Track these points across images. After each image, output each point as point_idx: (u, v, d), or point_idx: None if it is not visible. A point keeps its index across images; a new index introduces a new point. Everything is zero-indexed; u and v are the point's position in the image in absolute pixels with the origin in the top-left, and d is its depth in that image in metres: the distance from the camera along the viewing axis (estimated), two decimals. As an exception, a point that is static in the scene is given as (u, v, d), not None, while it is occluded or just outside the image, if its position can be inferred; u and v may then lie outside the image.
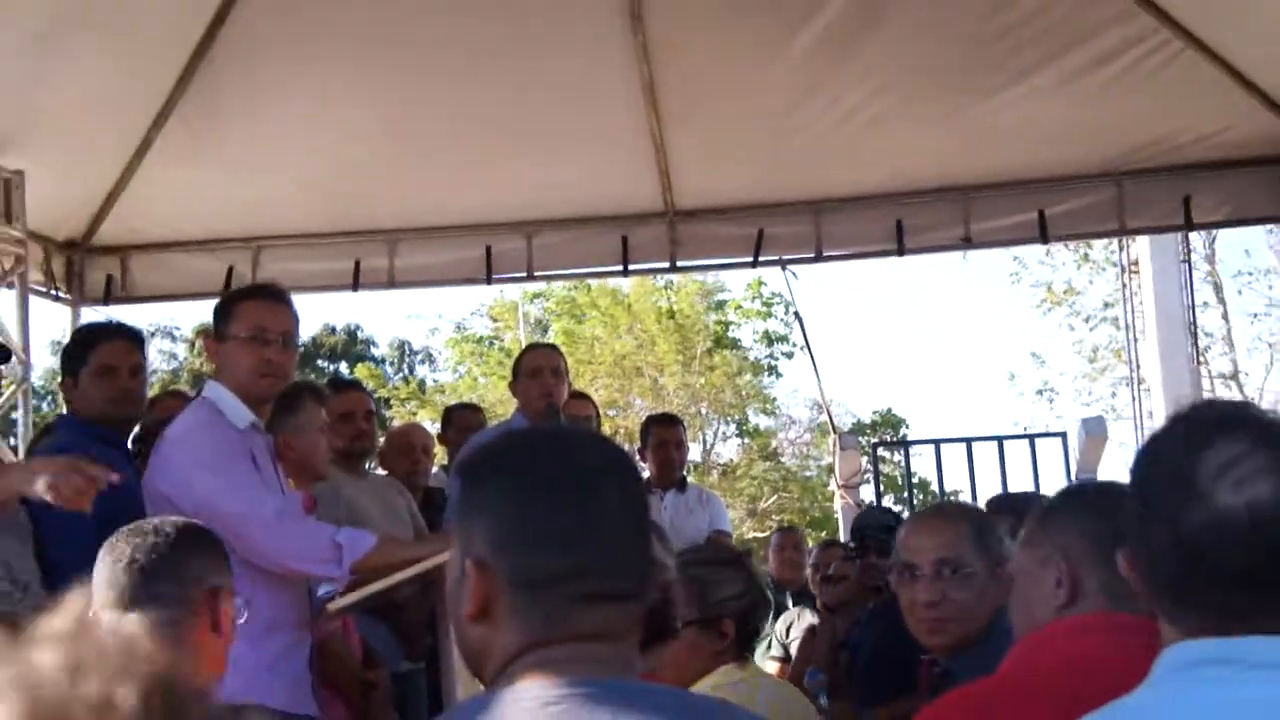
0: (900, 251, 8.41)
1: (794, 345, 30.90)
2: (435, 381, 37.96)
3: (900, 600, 3.62)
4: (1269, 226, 9.34)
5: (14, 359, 6.66)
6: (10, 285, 7.40)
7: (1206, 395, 18.15)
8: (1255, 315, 26.02)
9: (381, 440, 7.20)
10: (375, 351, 44.36)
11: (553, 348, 7.28)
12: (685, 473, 8.51)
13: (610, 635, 1.84)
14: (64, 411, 5.39)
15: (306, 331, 4.73)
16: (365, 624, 5.12)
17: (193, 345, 35.33)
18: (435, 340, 38.50)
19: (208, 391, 4.61)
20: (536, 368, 6.64)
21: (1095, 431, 11.90)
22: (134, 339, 5.26)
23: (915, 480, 16.80)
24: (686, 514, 7.86)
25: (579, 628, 1.82)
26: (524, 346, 7.81)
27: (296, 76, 7.35)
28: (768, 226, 8.44)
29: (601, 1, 7.07)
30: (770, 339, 32.47)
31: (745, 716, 1.91)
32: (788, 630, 7.99)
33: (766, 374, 32.83)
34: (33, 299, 7.76)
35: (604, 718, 1.73)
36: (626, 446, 7.95)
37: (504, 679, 1.79)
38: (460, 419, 8.02)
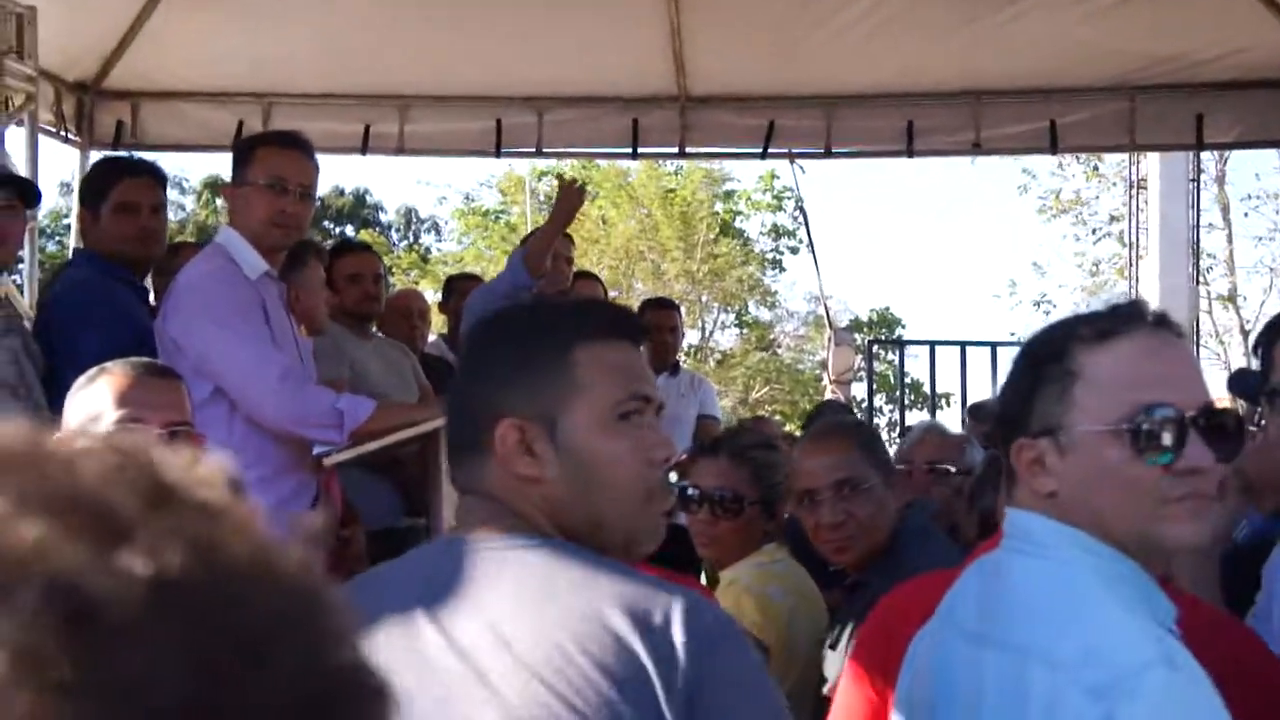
0: (910, 153, 8.44)
1: (799, 240, 30.94)
2: (440, 251, 37.87)
3: (805, 526, 3.70)
4: None
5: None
6: (20, 123, 7.22)
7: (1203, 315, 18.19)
8: (1259, 239, 26.05)
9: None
10: (382, 217, 44.17)
11: (568, 237, 7.29)
12: (680, 358, 8.57)
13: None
14: (79, 245, 5.35)
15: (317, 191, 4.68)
16: (367, 480, 5.13)
17: (200, 197, 35.16)
18: (442, 210, 38.50)
19: (220, 238, 4.57)
20: (554, 253, 6.67)
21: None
22: (157, 177, 5.22)
23: (908, 380, 16.83)
24: (677, 398, 7.93)
25: None
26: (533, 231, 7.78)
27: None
28: (779, 118, 8.43)
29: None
30: (778, 232, 32.42)
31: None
32: None
33: (770, 267, 32.80)
34: (42, 139, 7.58)
35: None
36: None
37: None
38: (462, 289, 8.01)
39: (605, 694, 1.71)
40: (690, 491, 4.04)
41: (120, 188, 5.01)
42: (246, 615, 0.61)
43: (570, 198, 6.61)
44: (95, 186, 5.11)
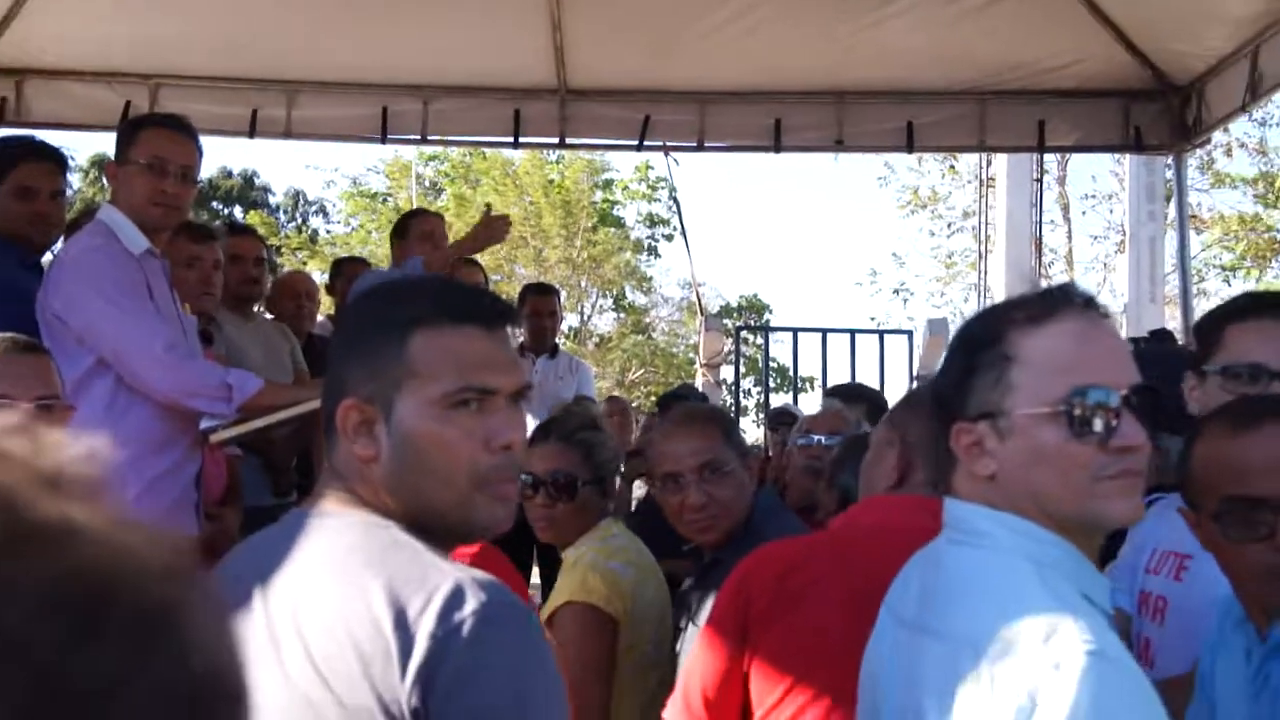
0: (777, 148, 8.45)
1: (673, 229, 31.17)
2: (328, 233, 37.68)
3: (667, 507, 3.70)
4: (1114, 155, 9.59)
5: None
6: None
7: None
8: (1095, 237, 26.62)
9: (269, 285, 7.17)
10: (271, 199, 43.84)
11: (440, 216, 7.29)
12: (558, 341, 8.60)
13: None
14: None
15: (203, 173, 4.62)
16: (247, 457, 5.13)
17: (86, 175, 34.53)
18: (330, 193, 38.17)
19: (102, 214, 4.49)
20: (429, 232, 6.63)
21: (938, 332, 12.19)
22: (59, 161, 5.12)
23: (774, 365, 17.03)
24: (555, 379, 7.97)
25: None
26: (413, 209, 7.77)
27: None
28: (654, 113, 8.43)
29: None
30: (652, 220, 32.59)
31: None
32: None
33: (645, 254, 32.96)
34: None
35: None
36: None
37: None
38: (349, 270, 7.96)
39: (355, 675, 1.70)
40: (524, 477, 4.03)
41: (20, 170, 4.93)
42: (93, 656, 0.57)
43: (493, 228, 6.52)
44: None
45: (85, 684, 0.57)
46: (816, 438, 4.88)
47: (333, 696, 1.70)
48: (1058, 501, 1.94)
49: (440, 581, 1.74)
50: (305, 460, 5.68)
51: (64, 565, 0.59)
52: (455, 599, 1.72)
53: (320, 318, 7.53)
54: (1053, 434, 1.92)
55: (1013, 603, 1.87)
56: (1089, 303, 2.02)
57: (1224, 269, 31.34)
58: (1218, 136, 12.14)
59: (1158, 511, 3.06)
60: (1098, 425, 1.91)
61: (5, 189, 4.89)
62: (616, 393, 26.77)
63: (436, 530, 1.88)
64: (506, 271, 28.48)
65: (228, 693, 0.63)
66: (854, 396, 5.60)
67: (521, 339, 7.90)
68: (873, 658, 2.13)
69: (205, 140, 4.61)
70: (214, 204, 41.22)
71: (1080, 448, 1.91)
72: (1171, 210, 9.19)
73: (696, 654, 3.08)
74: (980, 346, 2.01)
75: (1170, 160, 8.75)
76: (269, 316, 6.49)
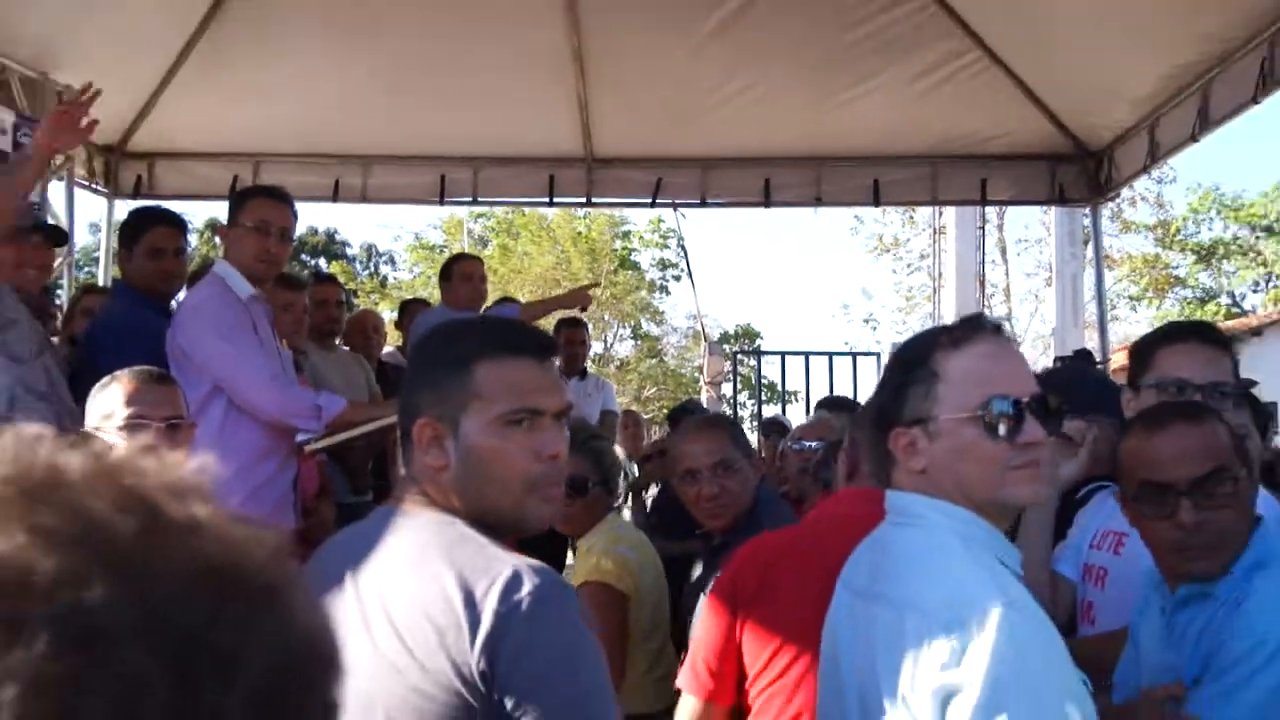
0: (767, 204, 8.54)
1: (680, 271, 31.27)
2: (395, 279, 37.63)
3: (685, 497, 3.70)
4: (1042, 207, 9.71)
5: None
6: (60, 179, 7.42)
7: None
8: (1028, 274, 26.67)
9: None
10: (349, 251, 43.81)
11: (478, 259, 7.33)
12: (586, 365, 8.59)
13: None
14: (117, 278, 5.22)
15: (295, 232, 4.66)
16: (330, 464, 5.12)
17: (201, 235, 34.60)
18: (398, 245, 38.33)
19: (216, 268, 4.50)
20: (469, 274, 6.65)
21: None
22: (179, 226, 5.10)
23: (765, 383, 16.99)
24: (584, 397, 7.95)
25: None
26: (455, 255, 7.81)
27: (295, 26, 7.21)
28: (665, 176, 8.50)
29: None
30: (664, 265, 32.59)
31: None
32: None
33: (658, 292, 32.93)
34: (77, 191, 7.79)
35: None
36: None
37: None
38: (413, 310, 7.97)
39: (433, 645, 1.72)
40: None
41: (150, 235, 4.91)
42: (221, 627, 0.59)
43: (577, 297, 6.83)
44: (130, 231, 4.98)
45: (217, 651, 0.59)
46: (808, 443, 4.88)
47: (415, 662, 1.72)
48: (977, 488, 1.97)
49: (501, 568, 1.75)
50: (379, 464, 5.71)
51: (196, 554, 0.61)
52: (514, 582, 1.73)
53: (389, 348, 7.54)
54: (972, 434, 1.96)
55: (944, 571, 1.89)
56: (997, 329, 2.07)
57: (1131, 299, 31.68)
58: (1125, 191, 12.19)
59: (1101, 498, 3.11)
60: (1006, 427, 1.95)
61: (139, 250, 4.88)
62: (633, 408, 26.79)
63: (495, 526, 1.89)
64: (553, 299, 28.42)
65: (324, 655, 0.65)
66: (839, 407, 5.61)
67: (557, 364, 7.90)
68: (832, 624, 2.13)
69: (296, 205, 4.65)
70: (303, 256, 41.23)
71: (993, 445, 1.95)
72: (1089, 251, 9.18)
73: (700, 627, 3.08)
74: (912, 366, 2.04)
75: (1087, 211, 8.75)
76: (345, 348, 6.50)
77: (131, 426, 2.86)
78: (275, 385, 4.35)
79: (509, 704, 1.69)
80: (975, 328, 2.05)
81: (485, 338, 1.97)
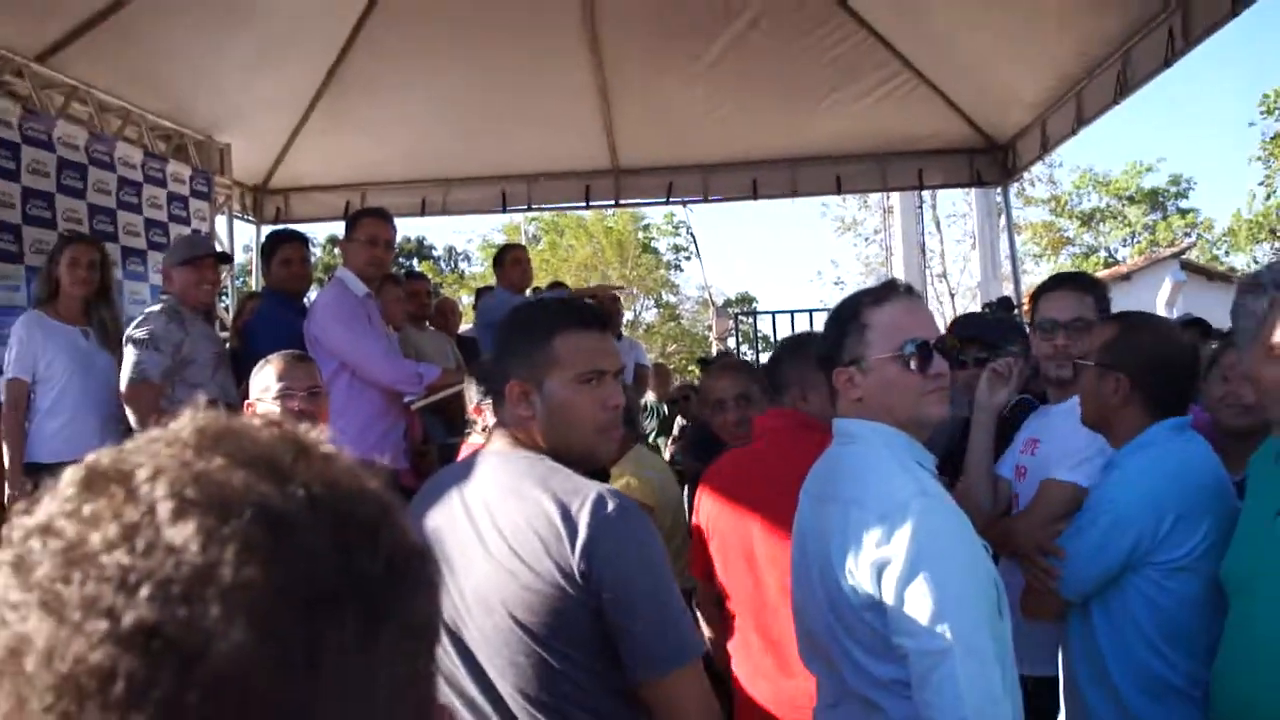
0: (755, 197, 8.49)
1: (690, 253, 31.19)
2: (471, 273, 37.60)
3: (714, 423, 3.71)
4: (965, 189, 9.75)
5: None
6: (223, 212, 7.64)
7: (929, 286, 18.40)
8: (957, 240, 26.25)
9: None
10: (435, 253, 43.84)
11: (523, 247, 7.33)
12: (622, 329, 8.60)
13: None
14: (264, 285, 5.29)
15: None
16: (428, 415, 5.11)
17: (324, 248, 34.77)
18: (471, 246, 38.30)
19: (339, 273, 4.56)
20: (517, 259, 6.62)
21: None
22: (303, 241, 5.16)
23: (761, 337, 16.93)
24: (622, 356, 7.94)
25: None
26: (504, 245, 7.85)
27: (387, 85, 7.25)
28: (674, 180, 8.51)
29: (573, 41, 7.00)
30: (677, 249, 32.44)
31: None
32: None
33: (673, 270, 32.80)
34: (235, 221, 8.05)
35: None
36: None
37: None
38: (484, 294, 8.02)
39: (539, 552, 1.72)
40: None
41: (282, 250, 5.00)
42: (360, 516, 0.64)
43: (603, 291, 6.92)
44: (267, 250, 5.09)
45: (364, 520, 0.63)
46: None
47: (525, 566, 1.73)
48: (900, 410, 1.98)
49: (589, 490, 1.76)
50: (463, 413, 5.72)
51: (335, 472, 0.65)
52: (600, 501, 1.74)
53: (465, 326, 7.55)
54: (895, 369, 1.98)
55: (877, 474, 1.91)
56: (908, 290, 2.08)
57: (1035, 257, 31.75)
58: (1025, 174, 12.17)
59: (1033, 417, 3.04)
60: (919, 362, 1.97)
61: (275, 263, 4.97)
62: (659, 361, 26.85)
63: (572, 461, 1.88)
64: (585, 288, 28.42)
65: (421, 550, 0.67)
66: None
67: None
68: (799, 524, 2.13)
69: (395, 221, 4.67)
70: (400, 259, 41.31)
71: (911, 376, 1.97)
72: (1002, 221, 9.11)
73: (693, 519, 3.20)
74: (846, 319, 2.05)
75: (999, 191, 8.68)
76: (432, 329, 6.49)
77: (284, 395, 2.89)
78: (387, 360, 4.41)
79: (605, 595, 1.70)
80: (892, 289, 2.07)
81: (560, 315, 1.95)
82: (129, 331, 4.31)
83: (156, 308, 4.40)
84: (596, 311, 2.03)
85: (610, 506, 1.74)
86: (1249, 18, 4.86)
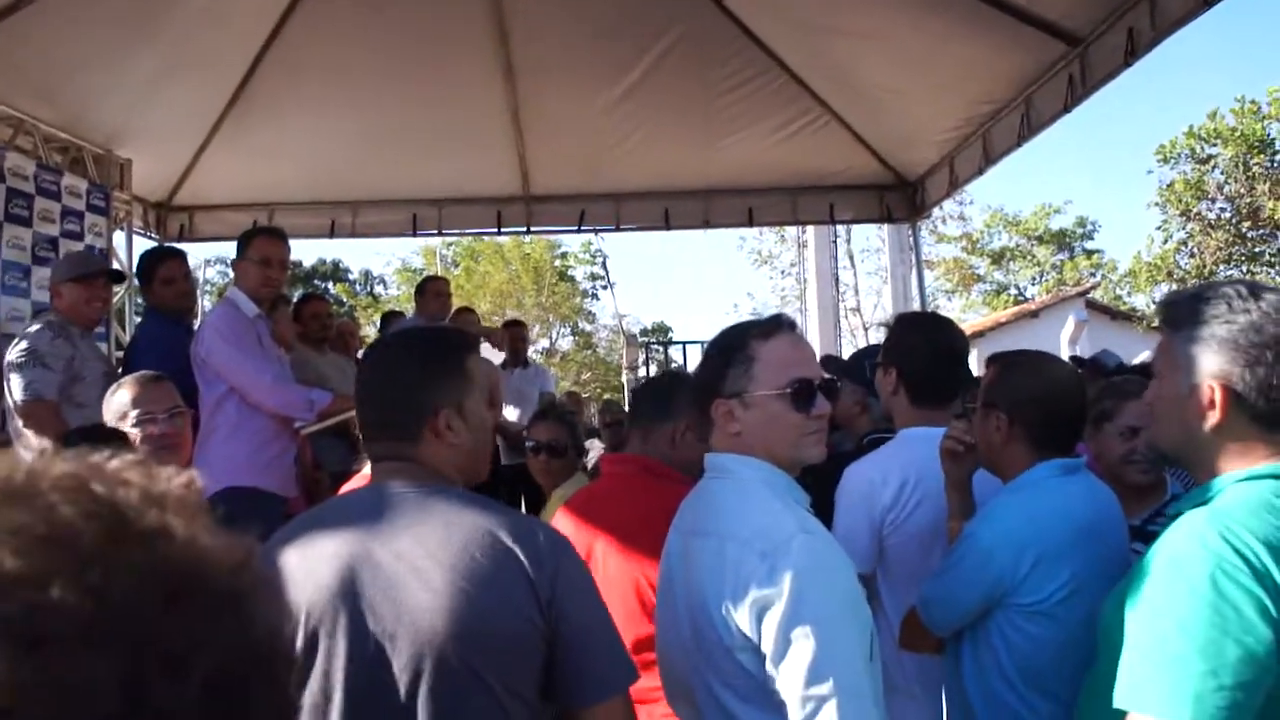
0: (668, 227, 8.50)
1: (606, 282, 31.24)
2: (386, 296, 37.16)
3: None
4: (877, 224, 9.93)
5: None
6: (122, 228, 7.47)
7: (843, 320, 18.70)
8: (869, 273, 26.80)
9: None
10: (350, 276, 43.29)
11: (444, 279, 7.26)
12: (530, 355, 8.54)
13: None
14: (146, 305, 5.11)
15: (307, 261, 4.64)
16: (332, 439, 4.97)
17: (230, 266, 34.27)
18: (388, 270, 37.83)
19: (229, 294, 4.48)
20: (439, 290, 6.57)
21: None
22: (182, 258, 5.02)
23: (674, 365, 16.98)
24: (528, 382, 7.89)
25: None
26: (426, 276, 7.75)
27: (296, 105, 7.14)
28: (587, 208, 8.46)
29: (487, 67, 6.96)
30: (594, 277, 32.47)
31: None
32: None
33: (590, 298, 32.84)
34: (135, 238, 7.83)
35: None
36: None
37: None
38: (391, 320, 7.98)
39: (501, 580, 1.66)
40: (530, 444, 4.03)
41: (163, 267, 4.85)
42: (174, 634, 0.52)
43: (495, 333, 7.10)
44: (145, 269, 4.92)
45: (171, 644, 0.52)
46: None
47: (483, 596, 1.65)
48: (780, 448, 1.95)
49: (534, 522, 1.77)
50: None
51: (158, 557, 0.54)
52: (552, 531, 1.77)
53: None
54: (779, 407, 1.94)
55: (755, 509, 1.88)
56: (792, 326, 2.05)
57: (946, 292, 32.60)
58: (936, 211, 12.44)
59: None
60: (804, 401, 1.94)
61: (157, 280, 4.82)
62: (574, 389, 26.78)
63: (468, 485, 1.87)
64: (501, 314, 28.27)
65: (283, 654, 0.58)
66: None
67: (504, 356, 7.85)
68: (666, 562, 2.09)
69: (300, 241, 4.60)
70: (315, 281, 40.66)
71: (795, 415, 1.94)
72: (913, 257, 9.29)
73: None
74: (732, 350, 2.00)
75: (909, 227, 8.85)
76: (331, 352, 6.36)
77: (143, 421, 2.78)
78: (275, 385, 4.31)
79: (563, 624, 1.68)
80: (779, 324, 2.04)
81: (461, 338, 1.94)
82: (8, 355, 4.15)
83: (37, 326, 4.25)
84: (476, 335, 2.04)
85: (559, 537, 1.76)
86: (1143, 67, 5.07)
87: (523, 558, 1.66)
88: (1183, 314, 1.69)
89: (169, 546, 0.54)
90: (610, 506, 2.79)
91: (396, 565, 1.68)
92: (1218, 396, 1.62)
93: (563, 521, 2.85)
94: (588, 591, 1.74)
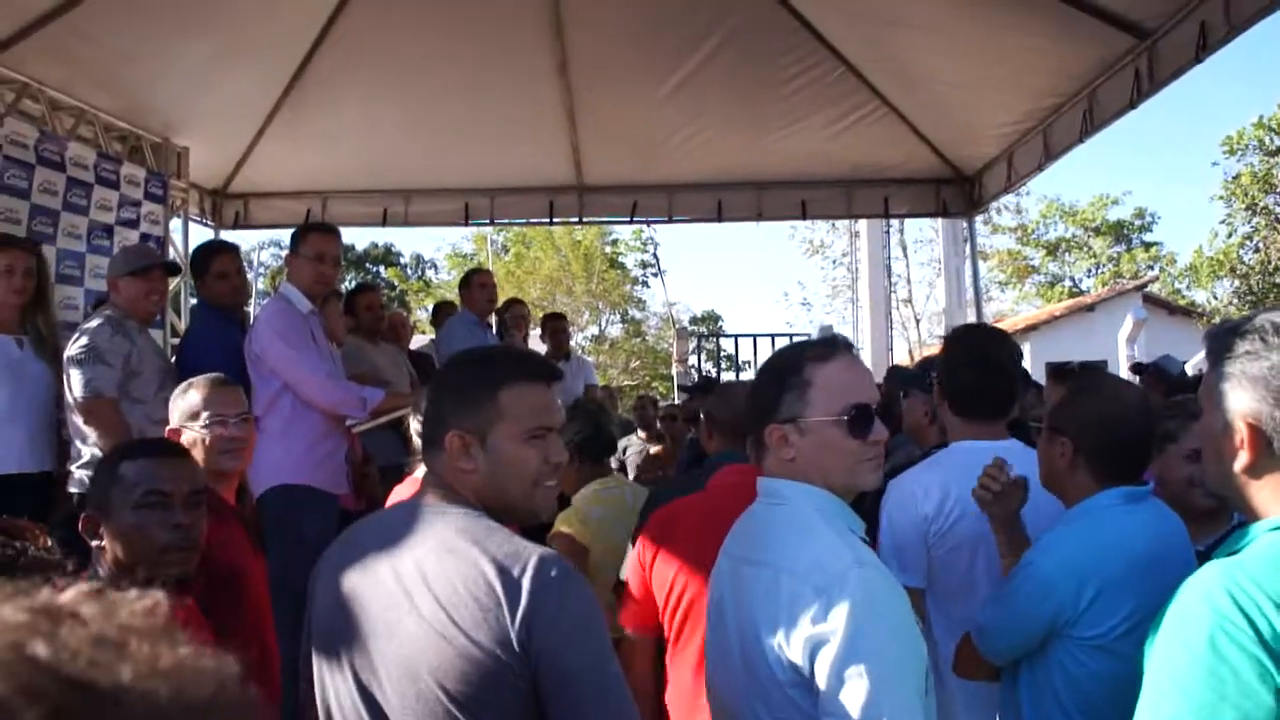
0: (720, 219, 8.49)
1: (656, 270, 31.23)
2: (437, 280, 37.40)
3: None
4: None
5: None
6: (179, 215, 7.64)
7: (894, 311, 18.53)
8: (922, 264, 26.50)
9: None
10: (401, 260, 43.63)
11: (489, 272, 7.24)
12: (572, 346, 8.52)
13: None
14: (199, 298, 5.04)
15: (360, 245, 4.63)
16: (385, 434, 4.87)
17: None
18: (438, 255, 38.08)
19: (282, 288, 4.47)
20: (483, 283, 6.57)
21: (825, 333, 12.12)
22: (235, 252, 4.99)
23: (724, 359, 16.93)
24: (571, 377, 7.83)
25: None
26: (471, 268, 7.71)
27: (352, 94, 7.16)
28: (639, 199, 8.48)
29: (542, 59, 6.93)
30: (644, 264, 32.44)
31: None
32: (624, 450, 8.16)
33: (640, 285, 32.81)
34: (191, 225, 7.98)
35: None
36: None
37: None
38: (443, 312, 7.94)
39: (477, 616, 1.64)
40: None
41: (216, 262, 4.80)
42: None
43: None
44: (199, 263, 4.87)
45: None
46: None
47: (460, 631, 1.65)
48: (836, 475, 1.90)
49: (529, 555, 1.69)
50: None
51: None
52: (543, 566, 1.67)
53: (422, 339, 7.47)
54: (835, 433, 1.88)
55: (809, 540, 1.82)
56: (849, 346, 2.00)
57: (1000, 284, 32.19)
58: (992, 204, 12.35)
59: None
60: (861, 427, 1.89)
61: (211, 275, 4.77)
62: (622, 376, 26.80)
63: (509, 517, 1.82)
64: (550, 303, 28.30)
65: None
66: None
67: (546, 349, 7.71)
68: (716, 585, 2.05)
69: (354, 230, 4.64)
70: (367, 265, 41.09)
71: (852, 442, 1.88)
72: (968, 249, 9.16)
73: (629, 566, 3.01)
74: (786, 374, 1.95)
75: (965, 221, 8.72)
76: (384, 343, 6.37)
77: (214, 422, 2.79)
78: (330, 383, 4.32)
79: (542, 667, 1.64)
80: (835, 346, 1.98)
81: (508, 366, 1.87)
82: (68, 351, 4.14)
83: (96, 321, 4.23)
84: (545, 364, 1.95)
85: (552, 573, 1.67)
86: (1215, 61, 4.91)
87: (502, 596, 1.64)
88: (1220, 347, 1.60)
89: (124, 710, 0.47)
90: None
91: (395, 587, 1.72)
92: (1246, 436, 1.54)
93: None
94: (575, 634, 1.66)
